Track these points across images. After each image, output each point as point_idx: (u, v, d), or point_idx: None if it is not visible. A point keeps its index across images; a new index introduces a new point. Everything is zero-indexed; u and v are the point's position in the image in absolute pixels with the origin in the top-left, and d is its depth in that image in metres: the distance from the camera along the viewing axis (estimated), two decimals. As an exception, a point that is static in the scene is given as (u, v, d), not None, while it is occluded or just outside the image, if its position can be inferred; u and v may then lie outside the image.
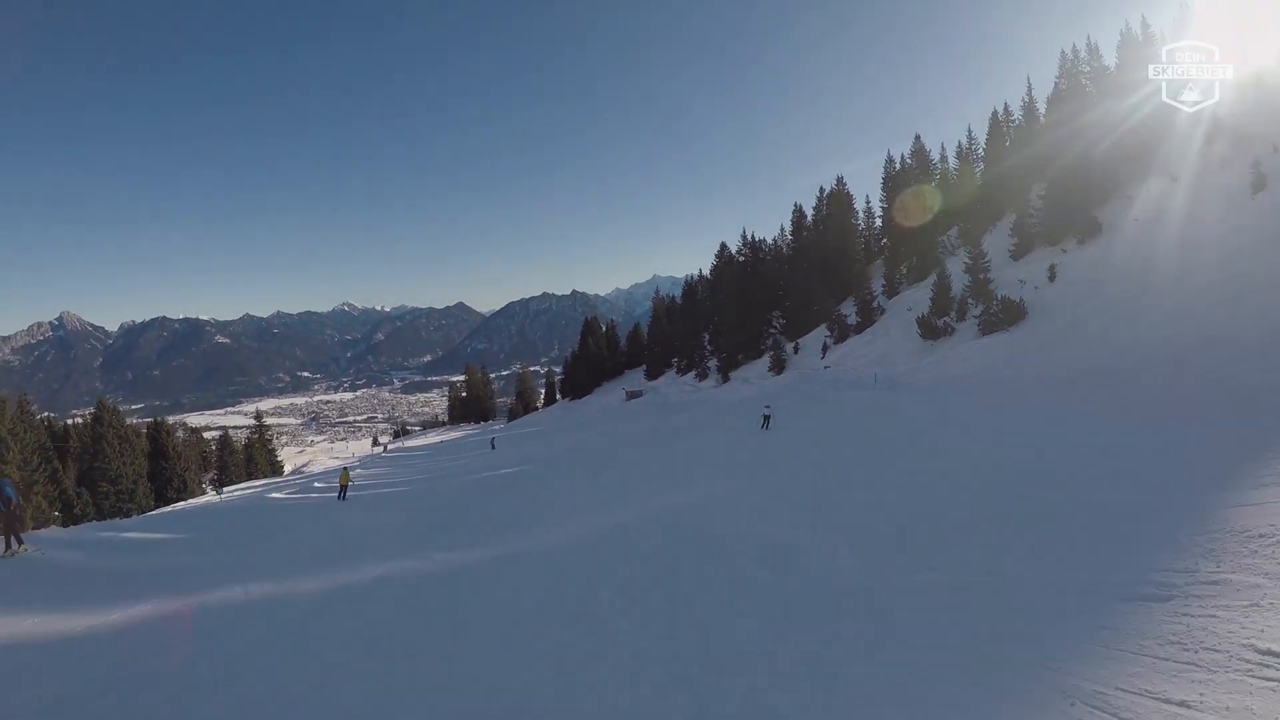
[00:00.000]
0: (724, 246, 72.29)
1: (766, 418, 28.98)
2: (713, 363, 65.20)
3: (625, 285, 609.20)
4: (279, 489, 35.81)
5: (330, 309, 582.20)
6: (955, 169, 59.12)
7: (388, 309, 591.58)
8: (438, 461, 40.46)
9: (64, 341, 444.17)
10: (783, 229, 69.51)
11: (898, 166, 60.69)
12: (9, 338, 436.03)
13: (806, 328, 59.00)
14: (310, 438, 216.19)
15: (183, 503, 42.78)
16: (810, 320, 59.53)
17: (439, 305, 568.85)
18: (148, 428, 55.12)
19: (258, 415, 72.69)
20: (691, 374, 67.72)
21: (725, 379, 58.50)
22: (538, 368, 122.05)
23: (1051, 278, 39.92)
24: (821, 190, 66.07)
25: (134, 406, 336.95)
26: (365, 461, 51.22)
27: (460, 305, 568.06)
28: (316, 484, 34.64)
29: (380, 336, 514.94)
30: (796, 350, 54.10)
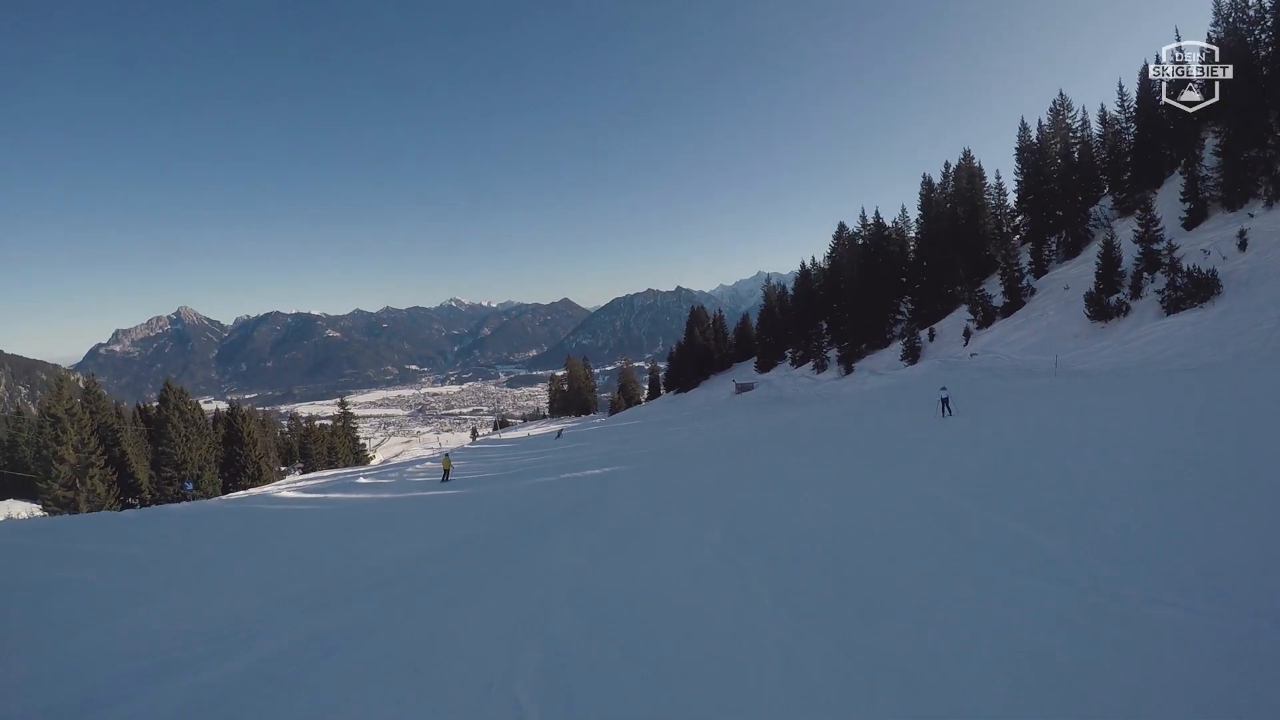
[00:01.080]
0: (842, 227, 66.81)
1: (944, 401, 25.22)
2: (832, 353, 60.05)
3: (730, 281, 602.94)
4: (318, 487, 32.89)
5: (438, 305, 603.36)
6: (1099, 134, 52.04)
7: (494, 305, 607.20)
8: (517, 457, 37.80)
9: (181, 334, 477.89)
10: (904, 210, 63.64)
11: (1033, 135, 53.78)
12: (129, 330, 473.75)
13: (938, 313, 53.29)
14: (417, 429, 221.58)
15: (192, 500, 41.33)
16: (943, 305, 53.79)
17: (544, 301, 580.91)
18: (223, 413, 54.69)
19: (341, 403, 71.93)
20: (808, 365, 62.76)
21: (848, 370, 53.37)
22: (642, 363, 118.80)
23: (1242, 246, 33.67)
24: (947, 165, 59.81)
25: (247, 396, 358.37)
26: (453, 453, 49.62)
27: (565, 301, 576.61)
28: (361, 479, 32.46)
29: (486, 331, 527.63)
30: (932, 337, 48.48)
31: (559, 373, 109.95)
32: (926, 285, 55.59)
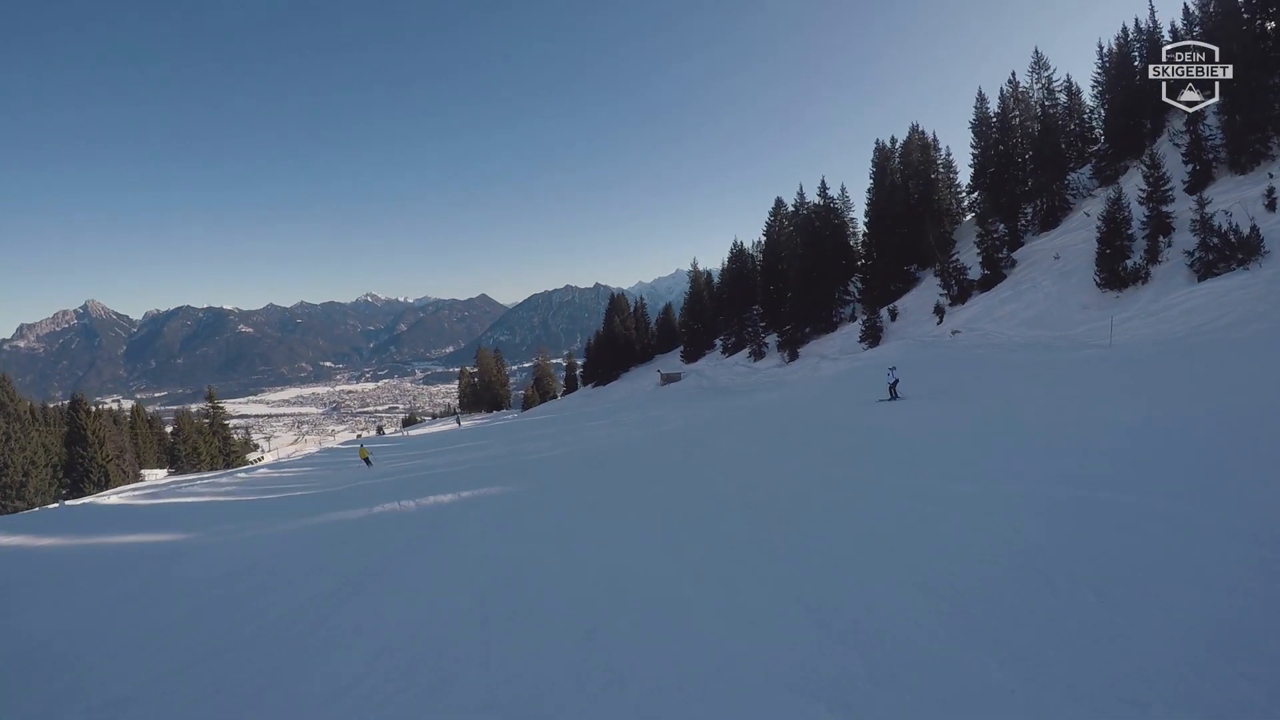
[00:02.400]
0: (780, 204, 59.36)
1: (893, 385, 21.96)
2: (771, 339, 52.47)
3: (649, 279, 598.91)
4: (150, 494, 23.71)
5: (354, 300, 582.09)
6: (1064, 105, 46.16)
7: (411, 300, 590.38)
8: (379, 463, 28.91)
9: (89, 329, 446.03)
10: (843, 189, 56.63)
11: (992, 106, 47.65)
12: (34, 325, 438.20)
13: (893, 292, 46.31)
14: (331, 427, 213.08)
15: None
16: (898, 284, 46.92)
17: (462, 297, 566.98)
18: (64, 409, 44.17)
19: (210, 395, 61.86)
20: (743, 353, 55.12)
21: (793, 356, 45.74)
22: (559, 359, 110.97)
23: (1271, 206, 28.07)
24: (893, 140, 52.74)
25: (156, 394, 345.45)
26: (314, 455, 41.53)
27: (483, 297, 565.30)
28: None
29: (403, 328, 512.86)
30: (894, 317, 41.15)
31: (470, 368, 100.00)
32: (878, 264, 48.50)
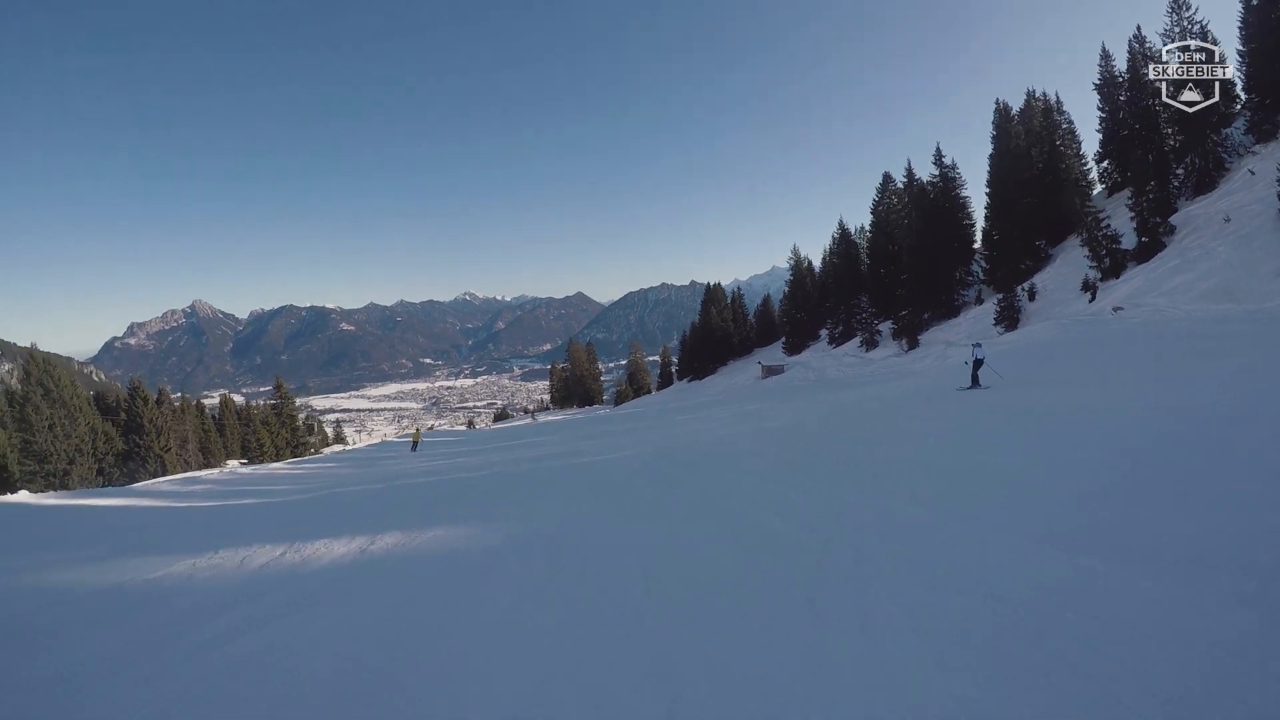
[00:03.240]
0: (889, 179, 54.53)
1: (977, 363, 19.29)
2: (885, 326, 48.08)
3: (744, 276, 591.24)
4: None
5: (452, 298, 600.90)
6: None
7: (508, 299, 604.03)
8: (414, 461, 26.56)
9: (196, 328, 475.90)
10: (953, 163, 50.33)
11: (1118, 63, 41.71)
12: (144, 324, 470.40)
13: (1024, 271, 41.15)
14: (431, 421, 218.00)
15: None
16: (1029, 261, 41.73)
17: (559, 295, 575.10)
18: (122, 398, 44.48)
19: (278, 385, 61.95)
20: (853, 342, 50.84)
21: (913, 344, 41.42)
22: (655, 357, 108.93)
23: None
24: (1000, 105, 46.71)
25: (261, 389, 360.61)
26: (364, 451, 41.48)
27: (580, 295, 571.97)
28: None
29: (501, 325, 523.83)
30: (1032, 296, 36.28)
31: (561, 363, 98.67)
32: (1004, 239, 43.36)
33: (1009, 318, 34.53)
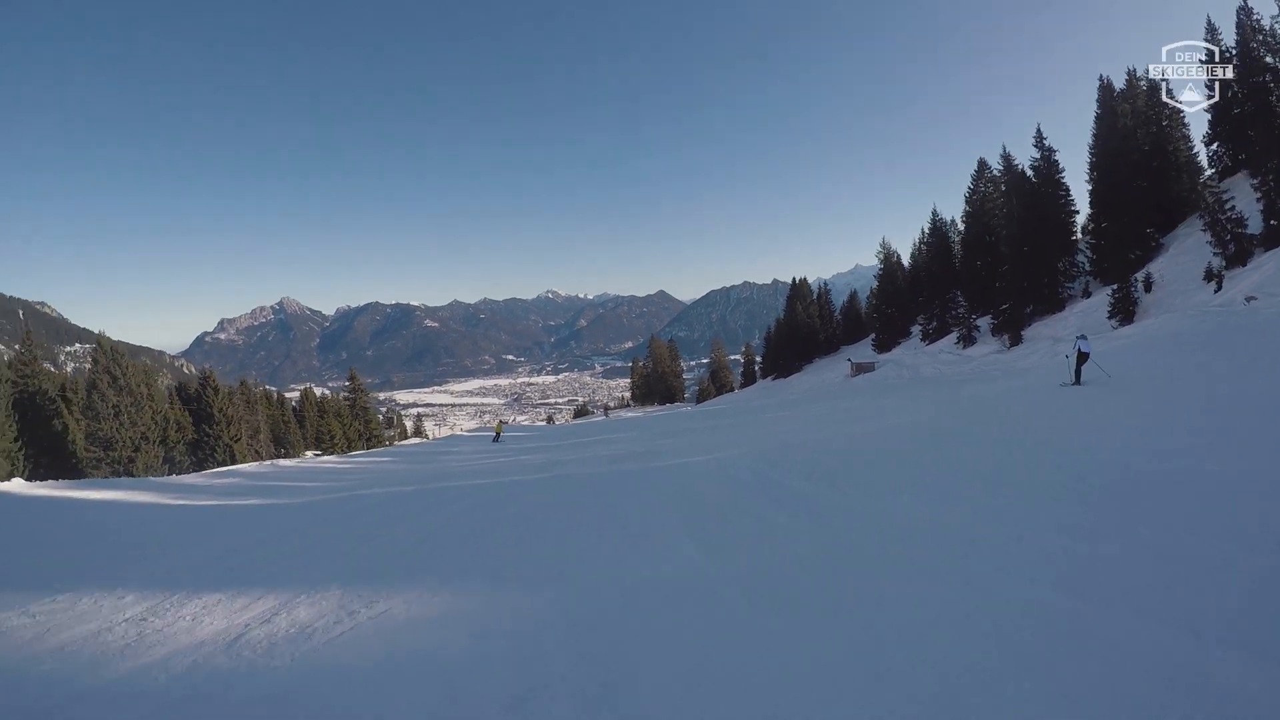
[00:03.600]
0: (984, 166, 51.70)
1: (1081, 358, 18.07)
2: (983, 322, 45.73)
3: (827, 274, 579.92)
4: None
5: (535, 296, 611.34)
6: None
7: (590, 296, 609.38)
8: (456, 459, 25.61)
9: (284, 323, 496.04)
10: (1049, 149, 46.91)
11: (1225, 37, 37.98)
12: (234, 319, 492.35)
13: (1135, 261, 38.31)
14: (513, 416, 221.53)
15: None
16: (1139, 251, 38.87)
17: (640, 294, 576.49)
18: (192, 387, 45.77)
19: (352, 377, 63.08)
20: (948, 339, 48.72)
21: (1016, 340, 39.19)
22: (736, 356, 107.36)
23: None
24: (1104, 81, 43.40)
25: (346, 384, 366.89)
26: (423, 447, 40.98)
27: (662, 293, 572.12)
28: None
29: (583, 323, 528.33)
30: (1149, 287, 33.72)
31: (642, 360, 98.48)
32: (1113, 226, 40.52)
33: (1124, 310, 32.13)
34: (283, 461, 24.86)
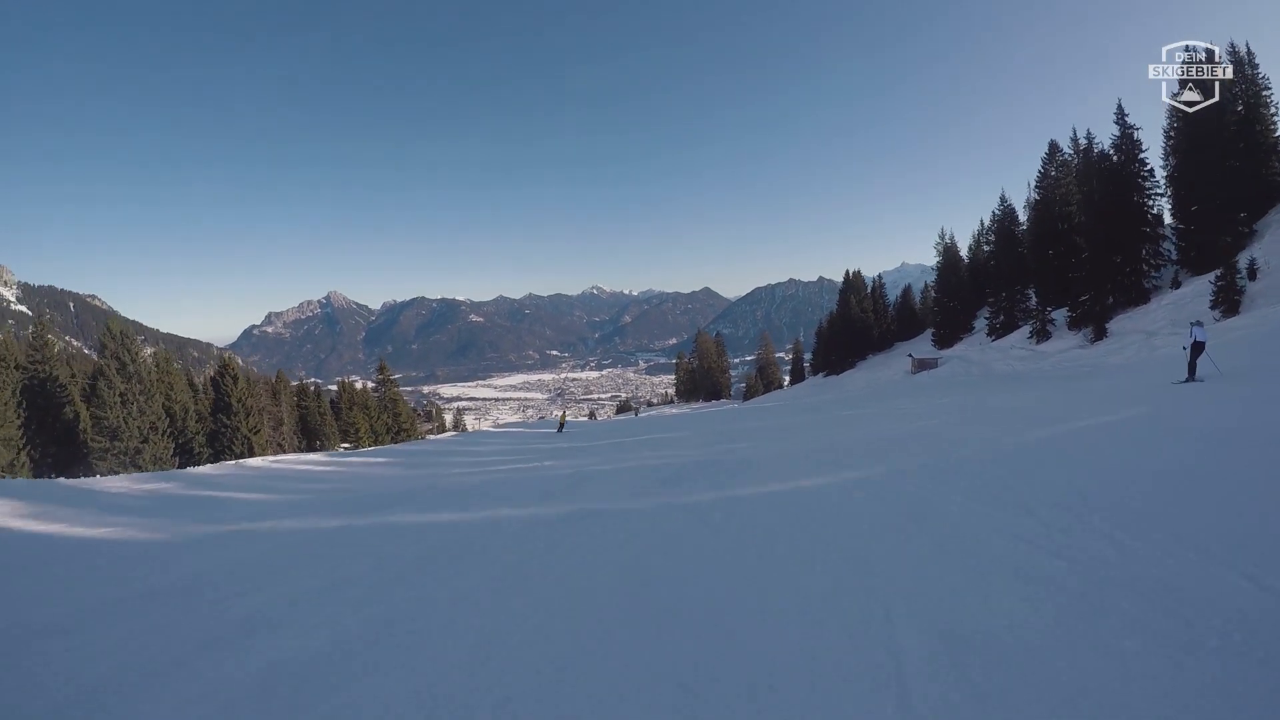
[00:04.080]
0: (1055, 149, 48.17)
1: (1196, 349, 16.04)
2: (1058, 315, 42.54)
3: (872, 272, 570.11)
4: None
5: (580, 292, 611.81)
6: None
7: (635, 293, 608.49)
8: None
9: (330, 317, 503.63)
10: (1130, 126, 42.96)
11: None
12: (281, 313, 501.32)
13: (1226, 247, 34.89)
14: (555, 411, 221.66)
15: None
16: (1227, 235, 35.47)
17: (685, 290, 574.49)
18: (211, 376, 44.15)
19: (381, 368, 61.13)
20: (1017, 334, 45.68)
21: (1099, 334, 36.00)
22: (782, 354, 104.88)
23: None
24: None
25: (393, 377, 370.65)
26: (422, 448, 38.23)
27: (706, 290, 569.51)
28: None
29: (627, 319, 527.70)
30: (1254, 275, 30.45)
31: (687, 355, 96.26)
32: (1202, 212, 37.10)
33: (1228, 300, 28.91)
34: (251, 462, 22.64)
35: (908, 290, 78.04)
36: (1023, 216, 51.97)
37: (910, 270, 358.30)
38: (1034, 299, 46.19)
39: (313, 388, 54.93)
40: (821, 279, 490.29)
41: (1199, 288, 33.07)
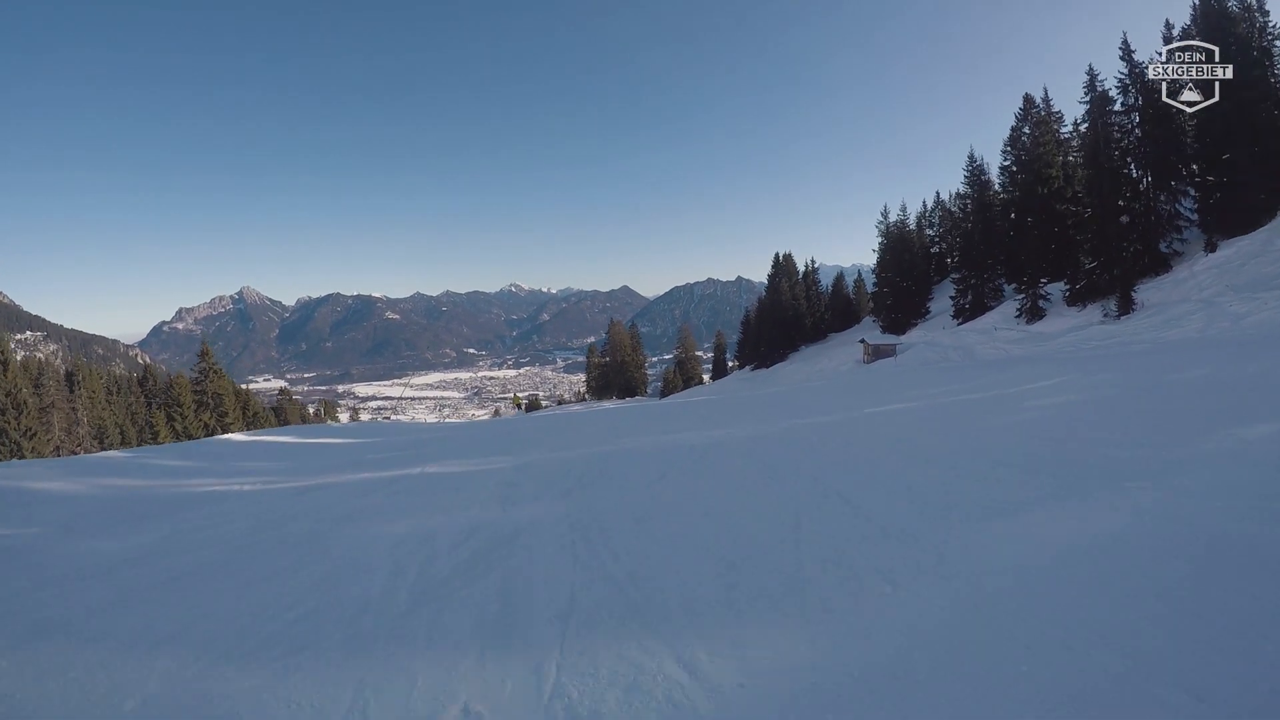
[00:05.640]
0: (1030, 103, 39.98)
1: None
2: (1054, 289, 34.30)
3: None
4: None
5: (498, 289, 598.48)
6: None
7: (554, 291, 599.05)
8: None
9: (244, 313, 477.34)
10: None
11: None
12: (192, 309, 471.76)
13: (1264, 203, 27.37)
14: (472, 411, 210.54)
15: None
16: (1264, 191, 27.91)
17: (604, 289, 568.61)
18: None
19: (204, 353, 44.97)
20: (996, 314, 37.34)
21: (1125, 308, 27.49)
22: (700, 353, 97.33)
23: None
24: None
25: (306, 375, 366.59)
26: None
27: (625, 289, 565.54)
28: None
29: (545, 317, 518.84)
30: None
31: (599, 349, 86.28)
32: (1245, 162, 29.42)
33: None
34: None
35: (840, 279, 70.53)
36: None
37: (828, 271, 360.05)
38: (1001, 276, 38.37)
39: (132, 379, 42.87)
40: (740, 279, 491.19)
41: (1248, 248, 25.33)
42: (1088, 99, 34.29)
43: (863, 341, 41.97)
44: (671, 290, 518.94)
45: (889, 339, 41.92)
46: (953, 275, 44.96)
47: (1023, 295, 34.28)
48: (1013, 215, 40.22)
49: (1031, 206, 37.46)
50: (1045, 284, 34.19)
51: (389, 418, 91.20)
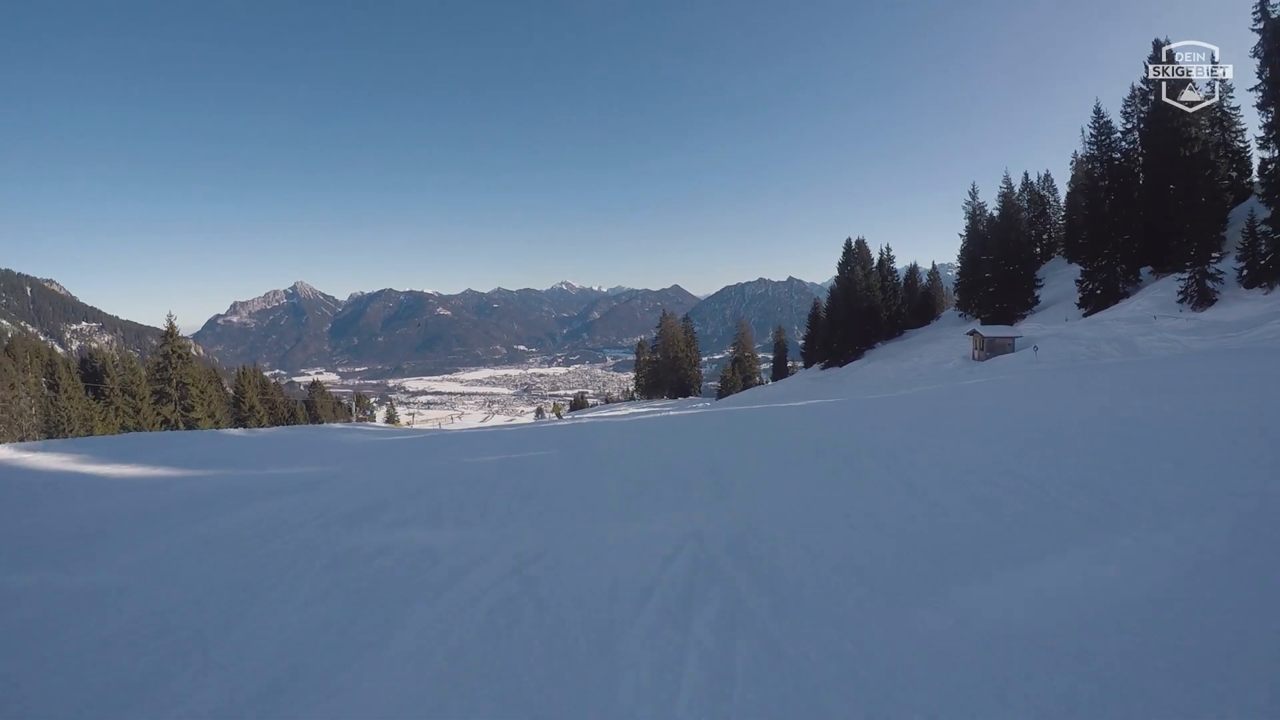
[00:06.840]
0: (1159, 49, 33.52)
1: None
2: (1226, 266, 27.76)
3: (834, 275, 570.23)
4: None
5: (549, 287, 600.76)
6: None
7: (604, 289, 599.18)
8: None
9: (297, 308, 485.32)
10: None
11: None
12: (246, 303, 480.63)
13: None
14: (520, 407, 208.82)
15: None
16: None
17: (655, 288, 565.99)
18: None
19: (170, 332, 39.78)
20: (1142, 300, 30.79)
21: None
22: (757, 349, 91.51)
23: None
24: None
25: (357, 369, 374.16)
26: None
27: (676, 288, 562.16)
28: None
29: (596, 315, 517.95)
30: None
31: (648, 343, 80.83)
32: None
33: None
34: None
35: (914, 270, 63.92)
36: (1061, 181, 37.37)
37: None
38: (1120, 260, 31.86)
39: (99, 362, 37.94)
40: (792, 279, 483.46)
41: None
42: (1259, 24, 27.71)
43: (973, 334, 35.51)
44: (723, 290, 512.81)
45: (1003, 330, 35.45)
46: (1060, 258, 38.19)
47: (1187, 274, 27.69)
48: (1140, 181, 33.62)
49: (1173, 172, 30.75)
50: (1216, 260, 27.59)
51: (410, 422, 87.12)
